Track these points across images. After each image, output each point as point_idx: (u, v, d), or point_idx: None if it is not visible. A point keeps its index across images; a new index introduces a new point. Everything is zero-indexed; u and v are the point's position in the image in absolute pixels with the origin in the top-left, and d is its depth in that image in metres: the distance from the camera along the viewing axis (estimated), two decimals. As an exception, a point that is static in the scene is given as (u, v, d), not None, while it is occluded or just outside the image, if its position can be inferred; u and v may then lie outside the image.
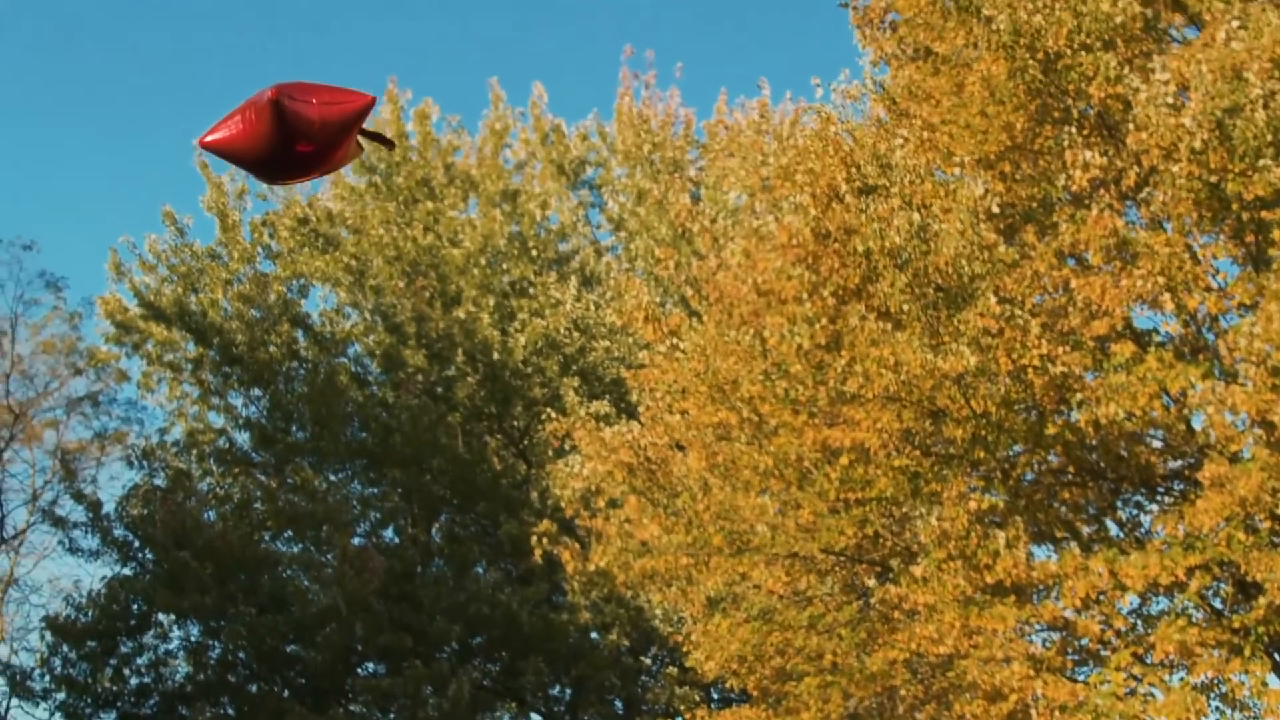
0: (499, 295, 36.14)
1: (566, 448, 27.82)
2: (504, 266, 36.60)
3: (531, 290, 36.04)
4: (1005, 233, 19.01)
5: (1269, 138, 16.60)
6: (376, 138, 9.92)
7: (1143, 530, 19.75)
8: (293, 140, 9.46)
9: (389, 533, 36.27)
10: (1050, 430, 18.28)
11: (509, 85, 40.11)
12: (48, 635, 34.01)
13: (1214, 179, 17.00)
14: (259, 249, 37.59)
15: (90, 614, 33.75)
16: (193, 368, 36.81)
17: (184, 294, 36.73)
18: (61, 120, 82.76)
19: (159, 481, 35.47)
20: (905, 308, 17.83)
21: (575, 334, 34.86)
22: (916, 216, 17.71)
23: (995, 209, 18.15)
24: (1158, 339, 18.72)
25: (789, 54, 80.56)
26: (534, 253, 36.82)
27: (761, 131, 25.81)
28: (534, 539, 26.67)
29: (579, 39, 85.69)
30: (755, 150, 22.65)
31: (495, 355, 34.97)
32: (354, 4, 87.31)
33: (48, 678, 34.07)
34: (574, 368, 34.58)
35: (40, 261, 62.88)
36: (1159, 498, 19.94)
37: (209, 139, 9.48)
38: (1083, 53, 18.06)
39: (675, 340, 21.59)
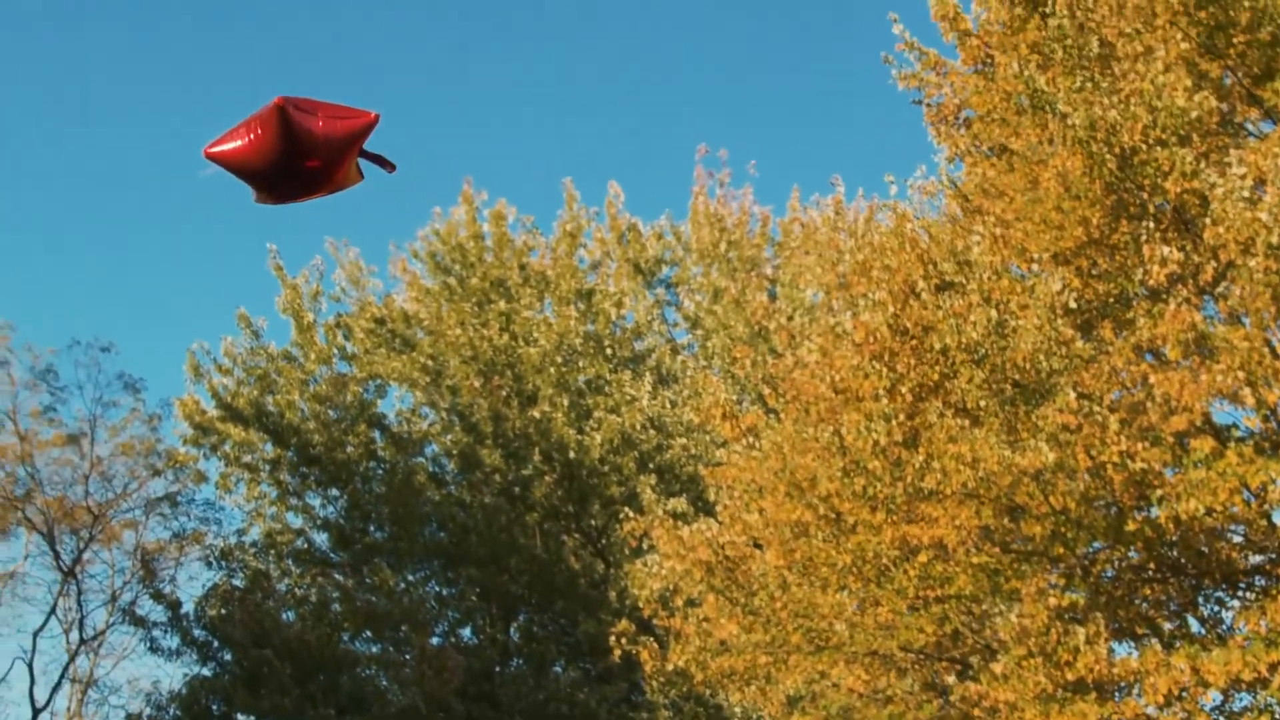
0: (575, 394, 36.21)
1: (644, 546, 27.79)
2: (580, 365, 36.68)
3: (607, 388, 36.10)
4: (1082, 328, 18.95)
5: (1347, 232, 16.54)
6: (377, 160, 9.95)
7: (1225, 626, 19.57)
8: (297, 154, 9.46)
9: (467, 632, 36.30)
10: (1130, 526, 18.17)
11: (582, 185, 40.30)
12: (130, 736, 34.12)
13: (1292, 273, 16.93)
14: (335, 350, 37.83)
15: (171, 714, 33.83)
16: (271, 468, 36.99)
17: (261, 396, 36.96)
18: (138, 224, 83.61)
19: (238, 582, 35.62)
20: (983, 404, 17.79)
21: (651, 431, 34.88)
22: (994, 312, 17.69)
23: (1073, 304, 18.11)
24: (1237, 434, 18.60)
25: (863, 151, 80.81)
26: (609, 351, 36.90)
27: (837, 228, 25.93)
28: (612, 638, 26.57)
29: (652, 139, 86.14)
30: (831, 247, 22.74)
31: (571, 454, 35.01)
32: (431, 105, 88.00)
33: (130, 777, 34.17)
34: (650, 465, 34.58)
35: (118, 363, 63.36)
36: (1241, 593, 19.77)
37: (215, 149, 9.48)
38: (1158, 148, 18.05)
39: (752, 438, 21.60)
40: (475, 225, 38.46)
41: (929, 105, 22.02)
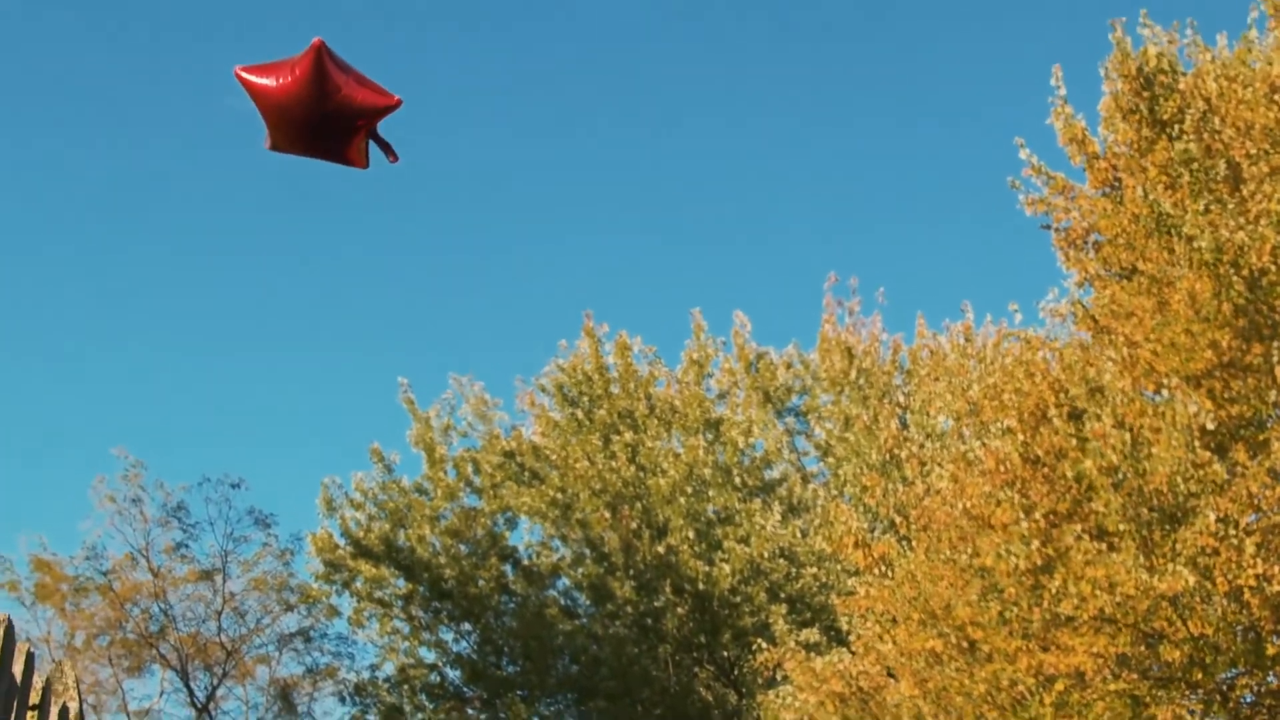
0: (704, 524, 36.17)
1: (777, 677, 27.68)
2: (709, 495, 36.65)
3: (737, 518, 36.05)
4: (1216, 451, 18.81)
5: None
6: (384, 146, 10.15)
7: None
8: (320, 98, 9.68)
9: (601, 765, 36.16)
10: (1269, 651, 17.96)
11: (707, 314, 40.46)
12: None
13: None
14: (464, 484, 38.04)
15: None
16: (403, 603, 37.16)
17: (392, 530, 37.20)
18: (267, 360, 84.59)
19: (372, 717, 35.74)
20: (1121, 528, 17.69)
21: (782, 561, 34.76)
22: (1128, 436, 17.63)
23: (1210, 426, 18.00)
24: (1378, 555, 18.38)
25: (992, 274, 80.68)
26: (738, 480, 36.86)
27: (966, 355, 25.89)
28: (747, 768, 26.50)
29: (779, 267, 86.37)
30: (960, 374, 22.71)
31: (701, 585, 34.95)
32: (551, 244, 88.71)
33: None
34: (782, 595, 34.44)
35: (249, 499, 64.03)
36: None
37: (247, 75, 9.79)
38: (1288, 269, 17.99)
39: (885, 566, 21.54)
40: (599, 358, 38.65)
41: (1057, 230, 22.00)
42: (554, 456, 37.95)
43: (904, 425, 31.96)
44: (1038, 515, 18.38)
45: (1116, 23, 21.20)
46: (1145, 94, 20.61)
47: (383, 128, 10.33)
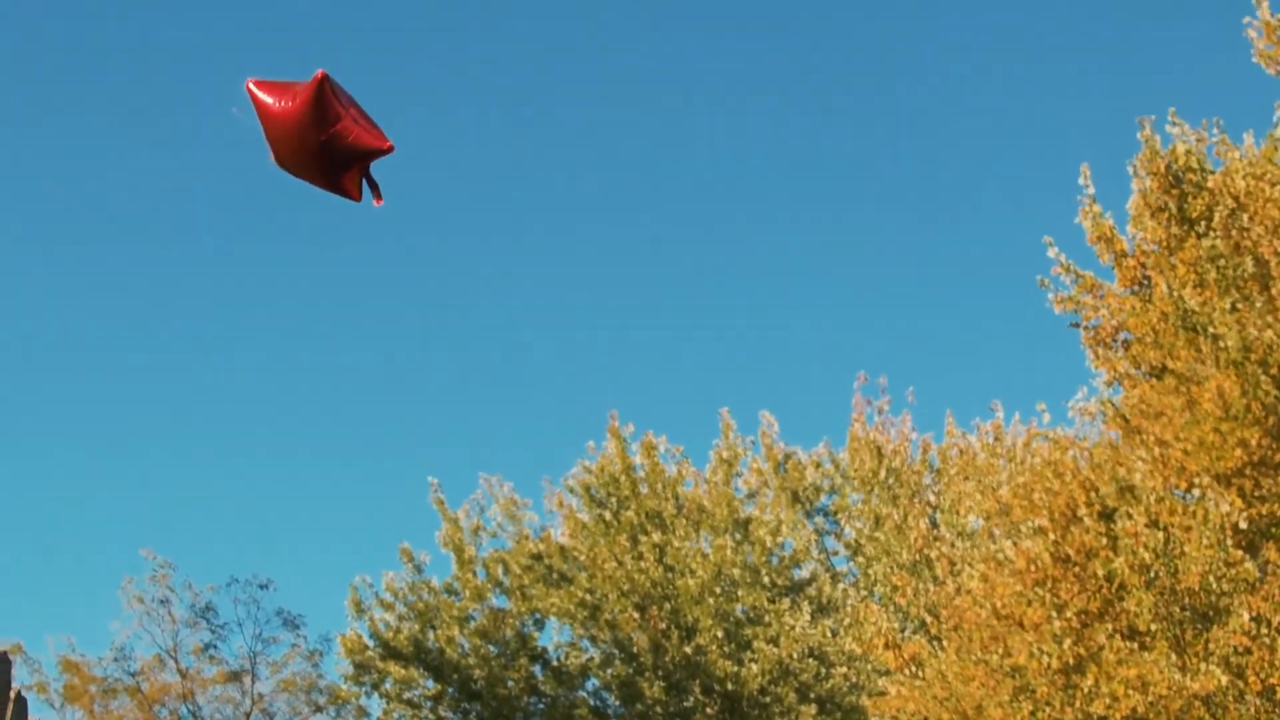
0: (733, 624, 36.07)
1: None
2: (737, 594, 36.55)
3: (766, 618, 35.94)
4: (1247, 549, 18.75)
5: None
6: (373, 185, 10.33)
7: None
8: (316, 127, 9.89)
9: None
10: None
11: (735, 413, 40.47)
12: None
13: None
14: (493, 584, 37.99)
15: None
16: (432, 704, 37.04)
17: (421, 631, 37.13)
18: (296, 459, 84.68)
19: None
20: (1152, 627, 17.61)
21: (811, 661, 34.62)
22: (1160, 534, 17.58)
23: (1243, 524, 17.94)
24: None
25: (1020, 372, 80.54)
26: (767, 580, 36.77)
27: (995, 454, 25.89)
28: None
29: (808, 366, 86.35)
30: (990, 473, 22.70)
31: (730, 685, 34.81)
32: (578, 342, 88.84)
33: None
34: (811, 695, 34.29)
35: (277, 599, 63.90)
36: None
37: (256, 90, 10.04)
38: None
39: (915, 666, 21.45)
40: (626, 458, 38.64)
41: (1086, 328, 22.00)
42: (582, 557, 37.88)
43: (934, 524, 31.91)
44: (1069, 614, 18.32)
45: (1145, 120, 21.30)
46: (1174, 191, 20.66)
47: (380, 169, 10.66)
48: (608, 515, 38.52)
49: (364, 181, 10.59)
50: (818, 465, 39.25)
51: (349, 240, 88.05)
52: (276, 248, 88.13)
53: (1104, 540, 18.14)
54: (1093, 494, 18.85)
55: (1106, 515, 18.61)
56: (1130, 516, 18.20)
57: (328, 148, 10.25)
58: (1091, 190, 21.72)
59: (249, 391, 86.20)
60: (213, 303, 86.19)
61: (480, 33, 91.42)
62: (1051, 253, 21.86)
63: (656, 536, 37.40)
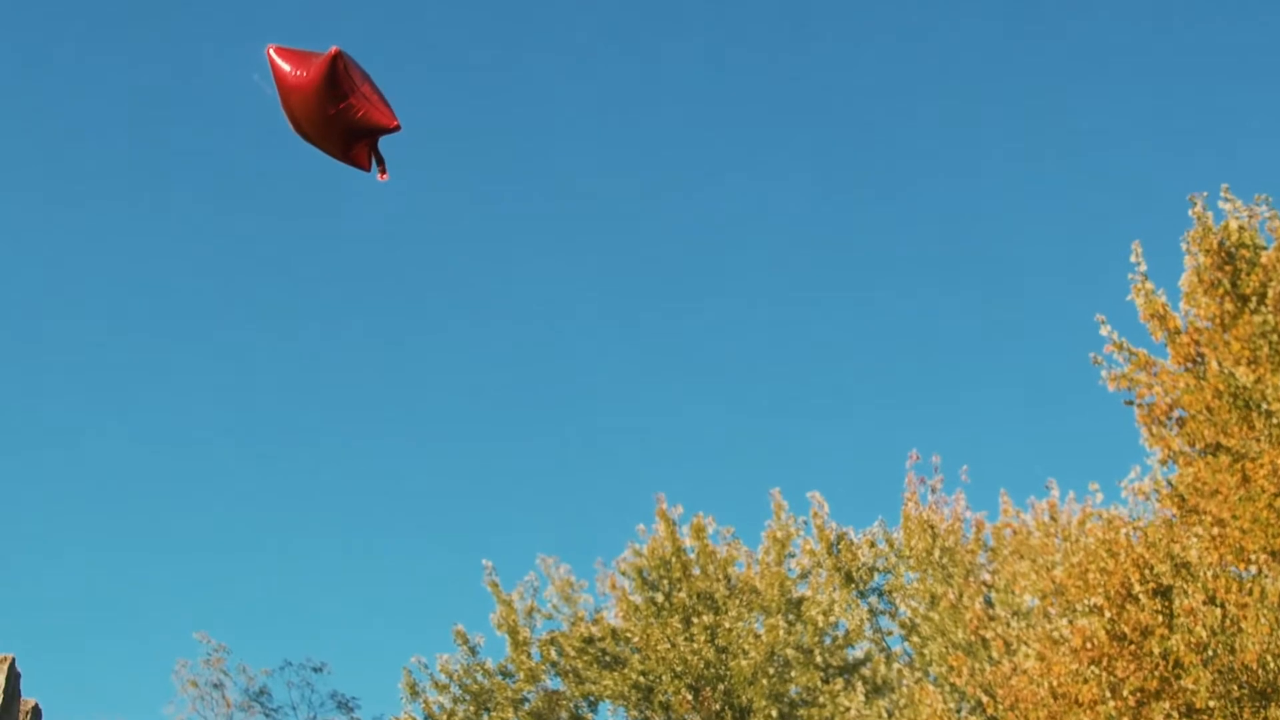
0: (787, 705, 35.90)
1: None
2: (791, 675, 36.41)
3: (820, 699, 35.78)
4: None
5: None
6: (380, 160, 10.66)
7: None
8: (328, 99, 10.23)
9: None
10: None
11: (786, 493, 40.42)
12: None
13: None
14: (548, 666, 37.94)
15: None
16: (487, 787, 36.97)
17: (476, 713, 37.10)
18: (348, 542, 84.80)
19: None
20: (1210, 705, 17.50)
21: (866, 742, 34.44)
22: (1218, 612, 17.50)
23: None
24: None
25: (1075, 450, 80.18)
26: (820, 660, 36.63)
27: (1050, 533, 25.78)
28: None
29: (860, 445, 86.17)
30: (1045, 552, 22.62)
31: (785, 767, 34.67)
32: (629, 424, 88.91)
33: None
34: (867, 777, 34.09)
35: (331, 682, 63.90)
36: None
37: (275, 58, 10.39)
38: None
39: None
40: (676, 540, 38.63)
41: (1140, 405, 21.93)
42: (635, 639, 37.81)
43: (989, 604, 31.75)
44: (1126, 693, 18.22)
45: (1197, 197, 21.29)
46: (1227, 268, 20.63)
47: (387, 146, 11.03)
48: (659, 598, 38.46)
49: (372, 156, 10.97)
50: (871, 544, 39.14)
51: (403, 332, 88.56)
52: (333, 335, 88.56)
53: (1160, 618, 18.06)
54: (1147, 572, 18.77)
55: (1162, 593, 18.53)
56: (1187, 594, 18.11)
57: (337, 121, 10.61)
58: (1143, 268, 21.72)
59: (302, 475, 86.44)
60: (267, 384, 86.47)
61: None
62: (1104, 330, 21.84)
63: (709, 618, 37.33)
